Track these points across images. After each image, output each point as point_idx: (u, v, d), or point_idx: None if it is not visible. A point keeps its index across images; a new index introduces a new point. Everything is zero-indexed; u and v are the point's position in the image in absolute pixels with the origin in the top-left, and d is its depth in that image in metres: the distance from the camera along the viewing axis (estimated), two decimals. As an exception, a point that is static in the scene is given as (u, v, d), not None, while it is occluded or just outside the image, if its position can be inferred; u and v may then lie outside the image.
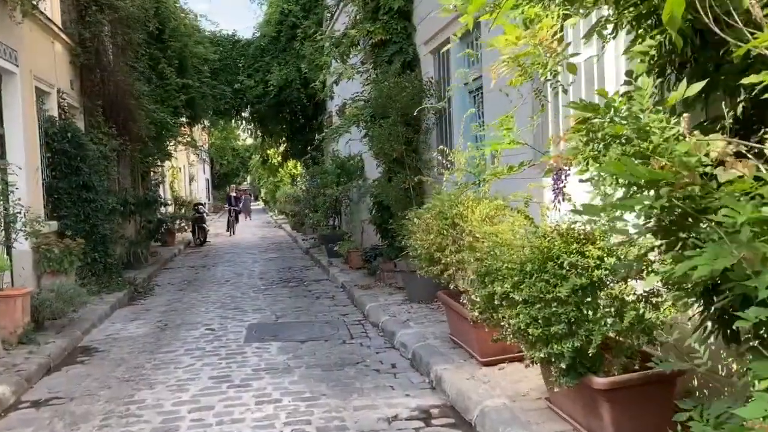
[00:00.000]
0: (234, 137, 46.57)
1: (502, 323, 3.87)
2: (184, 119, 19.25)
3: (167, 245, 19.67)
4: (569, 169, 3.38)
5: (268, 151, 25.15)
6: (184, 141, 19.61)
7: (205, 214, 21.98)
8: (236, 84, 19.73)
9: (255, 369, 6.21)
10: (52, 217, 10.50)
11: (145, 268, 13.92)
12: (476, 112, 7.83)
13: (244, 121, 22.36)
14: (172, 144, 18.71)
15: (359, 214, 11.84)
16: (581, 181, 2.70)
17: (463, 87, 8.05)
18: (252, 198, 48.37)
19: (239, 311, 9.27)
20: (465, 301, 5.02)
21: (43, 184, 10.24)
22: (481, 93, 7.59)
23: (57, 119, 10.91)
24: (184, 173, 31.54)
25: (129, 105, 13.71)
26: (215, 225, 32.75)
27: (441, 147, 5.90)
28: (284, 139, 22.53)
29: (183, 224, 20.79)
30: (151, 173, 19.49)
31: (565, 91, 4.31)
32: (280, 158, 24.47)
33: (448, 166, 6.63)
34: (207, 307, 9.78)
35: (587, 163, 2.62)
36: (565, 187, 3.57)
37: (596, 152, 2.54)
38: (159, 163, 19.10)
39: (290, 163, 26.66)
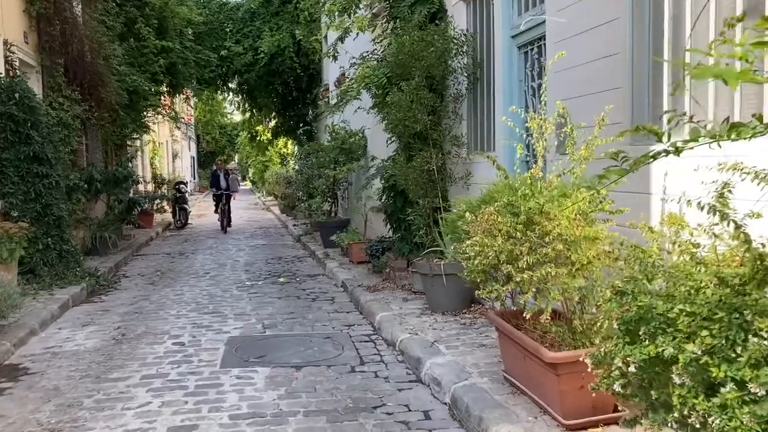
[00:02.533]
0: (221, 113, 44.58)
1: (674, 411, 2.15)
2: (164, 88, 17.34)
3: (143, 228, 17.83)
4: None
5: (257, 128, 23.18)
6: (164, 112, 17.65)
7: (186, 194, 20.11)
8: (222, 51, 17.82)
9: (234, 415, 4.47)
10: (-8, 194, 8.70)
11: (112, 255, 12.11)
12: (529, 73, 6.07)
13: (230, 93, 20.42)
14: (149, 115, 16.80)
15: (360, 200, 10.09)
16: None
17: (510, 41, 6.29)
18: (240, 177, 46.40)
19: (218, 317, 7.51)
20: (527, 328, 3.32)
21: (-21, 153, 8.42)
22: (540, 47, 5.83)
23: (2, 76, 9.02)
24: (167, 149, 29.56)
25: (97, 66, 11.83)
26: (199, 205, 30.87)
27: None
28: (275, 114, 20.63)
29: (162, 204, 18.95)
30: (127, 147, 17.61)
31: None
32: (269, 135, 22.55)
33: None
34: (179, 309, 8.00)
35: None
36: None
37: None
38: (135, 136, 17.19)
39: (281, 141, 24.78)
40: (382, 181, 8.12)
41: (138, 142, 20.80)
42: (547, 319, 3.53)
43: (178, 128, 23.58)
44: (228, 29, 18.05)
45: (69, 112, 10.90)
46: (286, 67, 17.91)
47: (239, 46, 17.91)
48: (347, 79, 9.15)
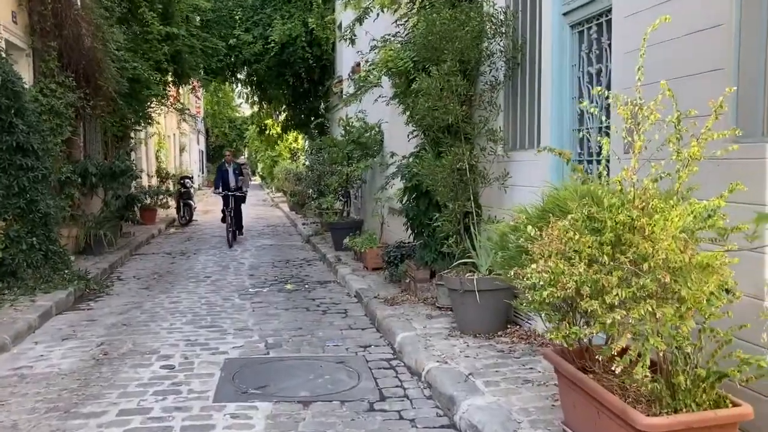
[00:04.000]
0: (231, 106, 43.73)
1: None
2: (169, 77, 16.46)
3: (145, 224, 17.01)
4: None
5: (267, 121, 22.26)
6: (169, 103, 16.77)
7: (192, 189, 19.25)
8: (231, 39, 16.90)
9: (225, 474, 3.57)
10: (-31, 188, 7.85)
11: (108, 255, 11.25)
12: (585, 56, 5.12)
13: (239, 84, 19.50)
14: (153, 105, 15.92)
15: (378, 201, 9.15)
16: None
17: (561, 18, 5.34)
18: (250, 173, 45.54)
19: (216, 331, 6.61)
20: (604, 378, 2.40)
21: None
22: (600, 25, 4.88)
23: (-17, 57, 8.17)
24: (173, 142, 28.71)
25: (94, 50, 10.95)
26: (206, 201, 30.06)
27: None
28: (285, 106, 19.71)
29: (165, 200, 18.12)
30: (130, 139, 16.77)
31: None
32: (279, 129, 21.63)
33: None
34: (173, 320, 7.12)
35: None
36: None
37: None
38: (137, 128, 16.33)
39: (291, 135, 23.86)
40: (404, 181, 7.19)
41: (143, 134, 19.98)
42: (646, 375, 2.59)
43: (185, 120, 22.58)
44: (237, 17, 17.14)
45: (62, 99, 10.04)
46: (297, 57, 16.98)
47: (249, 35, 17.00)
48: (365, 65, 8.21)
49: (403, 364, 5.46)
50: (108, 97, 11.74)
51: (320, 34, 16.74)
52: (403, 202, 7.48)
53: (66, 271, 8.75)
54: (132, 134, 17.94)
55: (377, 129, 11.27)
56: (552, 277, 2.77)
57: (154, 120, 16.83)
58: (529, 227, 3.09)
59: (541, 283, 2.82)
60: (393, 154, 8.52)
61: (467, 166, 5.89)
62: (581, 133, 5.12)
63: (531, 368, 4.81)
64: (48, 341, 6.33)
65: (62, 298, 7.85)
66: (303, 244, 14.03)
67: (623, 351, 2.80)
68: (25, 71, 9.71)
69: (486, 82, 6.15)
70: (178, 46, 14.98)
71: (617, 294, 2.62)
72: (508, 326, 5.90)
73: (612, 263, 2.70)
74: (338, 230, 11.59)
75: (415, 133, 7.61)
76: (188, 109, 20.99)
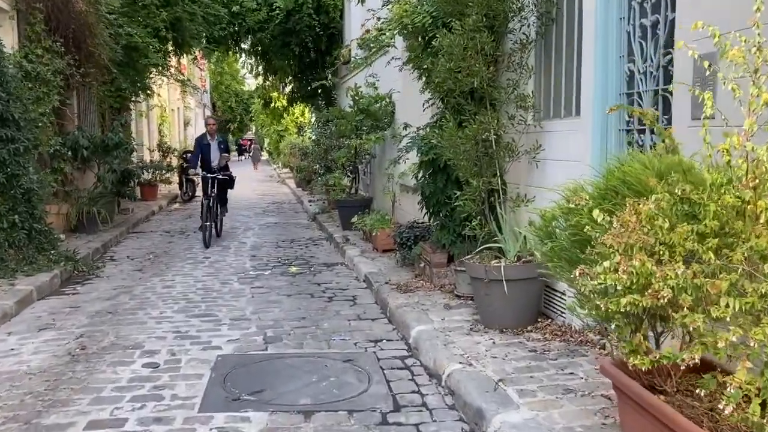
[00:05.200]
0: (237, 79, 42.85)
1: None
2: (169, 47, 15.65)
3: (146, 200, 16.36)
4: None
5: (272, 94, 21.41)
6: (169, 74, 15.97)
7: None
8: (234, 6, 16.03)
9: None
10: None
11: (102, 234, 10.61)
12: (636, 6, 4.33)
13: (243, 54, 18.66)
14: (153, 75, 15.15)
15: (390, 178, 8.39)
16: None
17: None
18: (259, 148, 44.83)
19: (209, 321, 5.94)
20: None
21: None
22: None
23: (-44, 17, 7.43)
24: (177, 116, 27.95)
25: (85, 14, 10.19)
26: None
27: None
28: (291, 78, 18.87)
29: (167, 175, 17.42)
30: (130, 111, 16.06)
31: None
32: (284, 101, 20.79)
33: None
34: (163, 308, 6.45)
35: None
36: None
37: None
38: (136, 99, 15.58)
39: (297, 109, 23.04)
40: (419, 155, 6.44)
41: (144, 106, 19.23)
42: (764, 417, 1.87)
43: (185, 92, 21.66)
44: (240, -18, 16.28)
45: (49, 66, 9.30)
46: (303, 25, 16.13)
47: (253, 1, 16.13)
48: (377, 23, 7.43)
49: (419, 363, 4.77)
50: (101, 65, 10.99)
51: (328, 1, 15.90)
52: (418, 178, 6.74)
53: (52, 252, 8.11)
54: (132, 106, 17.22)
55: (388, 100, 10.49)
56: (634, 280, 2.04)
57: (153, 91, 16.07)
58: (596, 211, 2.35)
59: (620, 287, 2.09)
60: (407, 125, 7.75)
61: (494, 137, 5.13)
62: (630, 98, 4.35)
63: (571, 373, 4.11)
64: (23, 332, 5.68)
65: (45, 282, 7.21)
66: (309, 222, 13.33)
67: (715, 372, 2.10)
68: (8, 35, 8.98)
69: (516, 41, 5.36)
70: (177, 13, 14.13)
71: (728, 305, 1.89)
72: (539, 320, 5.19)
73: (717, 261, 1.97)
74: (346, 208, 10.87)
75: (431, 102, 6.85)
76: (189, 81, 20.08)
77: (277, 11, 15.82)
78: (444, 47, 4.98)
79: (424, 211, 6.83)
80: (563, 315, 5.07)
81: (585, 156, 4.69)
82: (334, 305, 6.53)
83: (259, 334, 5.55)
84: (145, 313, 6.26)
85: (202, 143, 10.78)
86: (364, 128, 10.69)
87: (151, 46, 13.32)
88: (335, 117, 11.41)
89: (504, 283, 4.85)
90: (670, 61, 3.97)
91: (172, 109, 26.53)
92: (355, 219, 9.78)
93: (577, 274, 2.29)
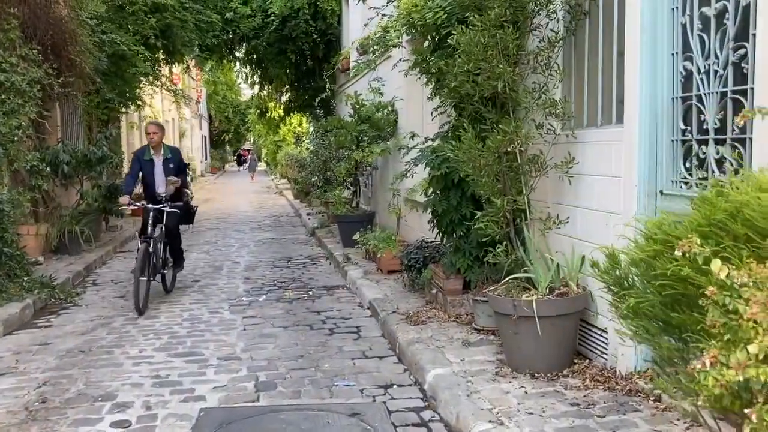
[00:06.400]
0: (233, 90, 42.24)
1: None
2: (160, 56, 14.97)
3: (136, 215, 15.60)
4: None
5: (268, 103, 20.70)
6: (159, 84, 15.26)
7: (189, 177, 17.76)
8: (228, 12, 15.36)
9: None
10: None
11: (86, 254, 9.88)
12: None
13: (238, 63, 17.97)
14: (143, 85, 14.46)
15: (396, 193, 7.63)
16: None
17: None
18: (256, 159, 44.36)
19: (194, 362, 5.20)
20: None
21: None
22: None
23: None
24: (172, 127, 27.28)
25: (65, 20, 9.50)
26: (208, 189, 28.76)
27: None
28: (287, 87, 18.19)
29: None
30: (119, 123, 15.36)
31: None
32: (281, 111, 20.09)
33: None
34: (144, 344, 5.72)
35: None
36: None
37: None
38: (125, 110, 14.88)
39: (294, 119, 22.33)
40: (429, 168, 5.73)
41: (135, 117, 18.55)
42: None
43: (181, 104, 20.88)
44: (234, -13, 15.63)
45: (24, 75, 8.60)
46: (300, 32, 15.46)
47: (247, 8, 15.45)
48: (382, 19, 6.72)
49: (438, 417, 4.04)
50: (84, 74, 10.30)
51: (325, 6, 15.24)
52: (428, 194, 6.03)
53: (25, 279, 7.38)
54: (122, 118, 16.54)
55: (390, 108, 9.79)
56: None
57: (144, 102, 15.37)
58: (716, 262, 1.62)
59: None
60: (414, 135, 7.03)
61: (519, 149, 4.42)
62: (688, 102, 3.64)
63: (627, 437, 3.38)
64: (-21, 378, 4.94)
65: (14, 314, 6.48)
66: (307, 237, 12.60)
67: None
68: (-21, 42, 8.30)
69: (543, 38, 4.65)
70: (167, 19, 13.46)
71: None
72: (575, 360, 4.46)
73: None
74: (347, 223, 10.14)
75: (440, 109, 6.14)
76: (181, 90, 19.37)
77: (273, 17, 15.16)
78: (461, 45, 4.27)
79: (435, 230, 6.11)
80: (604, 356, 4.34)
81: (630, 171, 3.98)
82: (335, 339, 5.79)
83: (250, 378, 4.82)
84: (122, 351, 5.52)
85: (141, 159, 7.43)
86: (365, 138, 10.00)
87: (140, 55, 12.67)
88: (334, 127, 10.70)
89: (537, 321, 4.13)
90: (744, 57, 3.27)
91: (167, 120, 25.85)
92: (357, 236, 9.05)
93: (707, 363, 1.57)
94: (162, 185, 7.36)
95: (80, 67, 10.03)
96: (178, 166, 7.64)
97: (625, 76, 4.04)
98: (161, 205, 7.15)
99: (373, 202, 11.76)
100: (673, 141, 3.84)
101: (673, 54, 3.81)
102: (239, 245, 11.74)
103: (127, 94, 13.62)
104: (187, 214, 8.03)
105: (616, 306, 2.27)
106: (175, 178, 7.28)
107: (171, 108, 25.54)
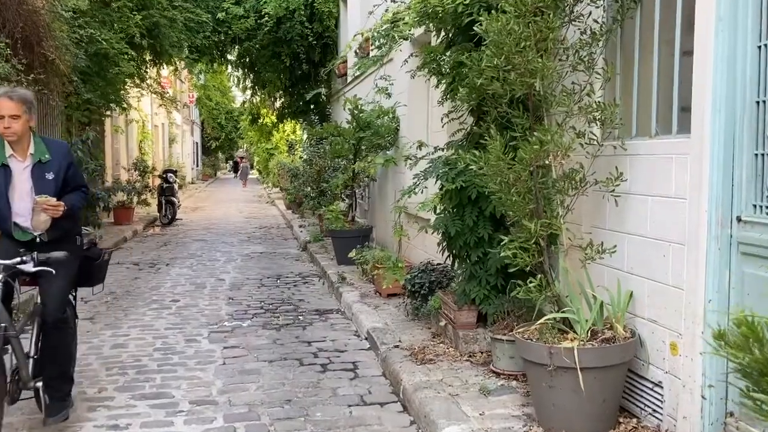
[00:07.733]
0: (227, 96, 41.47)
1: None
2: (147, 56, 14.21)
3: (120, 224, 14.83)
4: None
5: (261, 110, 19.93)
6: (146, 86, 14.48)
7: (175, 185, 16.99)
8: (219, 13, 14.63)
9: None
10: None
11: (55, 268, 8.98)
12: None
13: (229, 66, 17.20)
14: (128, 86, 13.67)
15: (401, 208, 6.85)
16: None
17: None
18: (249, 166, 43.67)
19: (161, 407, 4.39)
20: None
21: None
22: None
23: None
24: (162, 133, 26.46)
25: (38, 12, 8.72)
26: (198, 196, 27.91)
27: None
28: (281, 92, 17.42)
29: (144, 197, 15.93)
30: (103, 127, 14.56)
31: None
32: (274, 117, 19.31)
33: None
34: (106, 381, 4.90)
35: None
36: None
37: None
38: (107, 113, 14.07)
39: (288, 126, 21.55)
40: (441, 182, 4.95)
41: (121, 121, 17.74)
42: None
43: (164, 106, 20.03)
44: (227, -13, 14.90)
45: (-9, 73, 7.79)
46: (295, 34, 14.75)
47: (239, 8, 14.73)
48: (391, 7, 5.96)
49: (456, 493, 3.24)
50: (59, 72, 9.50)
51: (322, 8, 14.53)
52: (437, 211, 5.26)
53: None
54: (107, 122, 15.74)
55: (392, 115, 9.03)
56: None
57: (130, 105, 14.59)
58: None
59: None
60: (422, 144, 6.26)
61: (558, 162, 3.65)
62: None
63: None
64: None
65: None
66: (299, 252, 11.78)
67: None
68: (-60, 34, 7.49)
69: (584, 30, 3.89)
70: (155, 17, 12.71)
71: None
72: (620, 419, 3.68)
73: None
74: (342, 239, 9.35)
75: (451, 115, 5.38)
76: (168, 93, 18.59)
77: (267, 19, 14.44)
78: (490, 34, 3.50)
79: (446, 253, 5.33)
80: (657, 415, 3.56)
81: (697, 192, 3.22)
82: (328, 379, 4.98)
83: (226, 431, 4.00)
84: (79, 391, 4.69)
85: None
86: (363, 147, 9.23)
87: (124, 54, 11.89)
88: (330, 134, 9.93)
89: (579, 373, 3.35)
90: None
91: (156, 125, 25.04)
92: (353, 253, 8.26)
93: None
94: (25, 213, 3.87)
95: (55, 64, 9.23)
96: (65, 176, 3.95)
97: (694, 75, 3.28)
98: (21, 259, 3.67)
99: (371, 216, 10.98)
100: (756, 155, 3.08)
101: (760, 47, 3.06)
102: (226, 259, 10.91)
103: (111, 96, 12.84)
104: (90, 269, 4.53)
105: (760, 405, 1.48)
106: (54, 199, 3.77)
107: (158, 112, 24.69)
